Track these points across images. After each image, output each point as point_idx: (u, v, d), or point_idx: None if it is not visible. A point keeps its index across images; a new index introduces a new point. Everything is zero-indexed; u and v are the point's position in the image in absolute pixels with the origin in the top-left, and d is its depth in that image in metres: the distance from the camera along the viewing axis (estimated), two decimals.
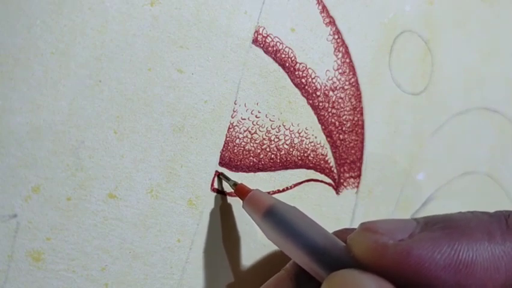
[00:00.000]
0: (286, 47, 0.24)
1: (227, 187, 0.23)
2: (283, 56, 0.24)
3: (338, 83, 0.26)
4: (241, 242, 0.24)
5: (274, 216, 0.20)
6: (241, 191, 0.22)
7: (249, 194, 0.21)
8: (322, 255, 0.18)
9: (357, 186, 0.28)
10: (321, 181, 0.26)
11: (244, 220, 0.24)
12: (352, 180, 0.27)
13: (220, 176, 0.23)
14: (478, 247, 0.16)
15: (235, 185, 0.22)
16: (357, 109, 0.27)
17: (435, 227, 0.17)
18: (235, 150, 0.23)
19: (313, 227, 0.19)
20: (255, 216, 0.21)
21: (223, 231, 0.24)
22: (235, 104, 0.23)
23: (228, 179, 0.23)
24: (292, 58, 0.24)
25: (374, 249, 0.17)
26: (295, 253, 0.19)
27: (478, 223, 0.17)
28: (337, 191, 0.27)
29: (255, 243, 0.25)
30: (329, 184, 0.27)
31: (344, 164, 0.27)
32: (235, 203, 0.24)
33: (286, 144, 0.25)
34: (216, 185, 0.23)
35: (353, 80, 0.26)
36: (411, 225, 0.17)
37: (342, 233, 0.21)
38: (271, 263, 0.25)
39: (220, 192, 0.23)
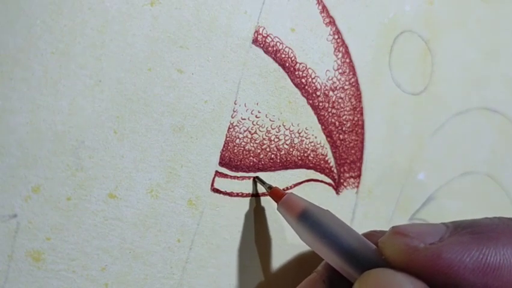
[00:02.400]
0: (286, 47, 0.24)
1: (229, 187, 0.23)
2: (283, 56, 0.24)
3: (338, 83, 0.26)
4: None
5: (309, 219, 0.21)
6: (275, 194, 0.23)
7: (283, 197, 0.22)
8: (355, 257, 0.19)
9: (357, 186, 0.28)
10: (321, 181, 0.26)
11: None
12: (352, 180, 0.27)
13: (255, 179, 0.24)
14: (504, 251, 0.17)
15: (270, 188, 0.23)
16: (357, 109, 0.27)
17: (464, 231, 0.18)
18: (235, 150, 0.23)
19: (346, 229, 0.20)
20: (289, 219, 0.22)
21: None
22: (235, 104, 0.23)
23: (263, 183, 0.24)
24: (292, 58, 0.24)
25: (405, 251, 0.18)
26: (329, 254, 0.20)
27: (505, 228, 0.18)
28: (337, 191, 0.27)
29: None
30: (329, 184, 0.27)
31: (344, 164, 0.27)
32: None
33: (286, 144, 0.25)
34: (215, 185, 0.23)
35: (353, 80, 0.26)
36: (440, 229, 0.18)
37: (371, 236, 0.21)
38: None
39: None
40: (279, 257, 0.26)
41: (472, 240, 0.17)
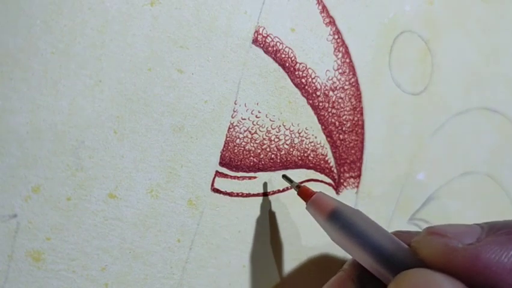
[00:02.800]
0: (286, 47, 0.24)
1: (229, 187, 0.23)
2: (283, 56, 0.24)
3: (338, 83, 0.26)
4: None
5: (339, 218, 0.21)
6: (305, 193, 0.23)
7: (313, 197, 0.22)
8: (388, 257, 0.19)
9: (357, 186, 0.28)
10: (321, 181, 0.26)
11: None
12: (352, 180, 0.27)
13: (284, 177, 0.24)
14: None
15: (298, 187, 0.23)
16: (357, 109, 0.27)
17: (500, 232, 0.18)
18: (236, 150, 0.23)
19: (377, 229, 0.20)
20: (319, 218, 0.22)
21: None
22: (235, 104, 0.23)
23: (291, 181, 0.24)
24: (292, 58, 0.24)
25: (443, 252, 0.18)
26: (360, 254, 0.20)
27: None
28: (337, 191, 0.27)
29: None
30: (329, 184, 0.27)
31: (344, 164, 0.27)
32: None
33: (287, 144, 0.25)
34: (215, 185, 0.23)
35: (353, 80, 0.26)
36: (476, 230, 0.18)
37: (398, 235, 0.21)
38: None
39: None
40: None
41: (509, 241, 0.17)
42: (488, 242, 0.18)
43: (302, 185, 0.23)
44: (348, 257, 0.25)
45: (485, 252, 0.17)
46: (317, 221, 0.22)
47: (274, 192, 0.25)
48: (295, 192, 0.23)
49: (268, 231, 0.25)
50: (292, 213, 0.25)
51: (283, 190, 0.25)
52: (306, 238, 0.26)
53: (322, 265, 0.26)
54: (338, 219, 0.21)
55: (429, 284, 0.17)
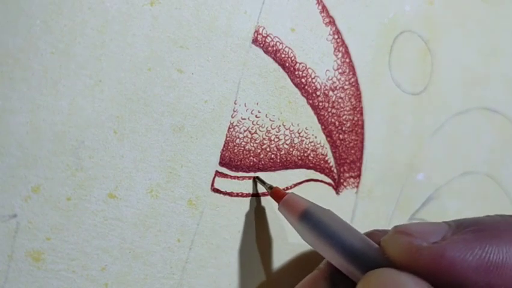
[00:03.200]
0: (286, 46, 0.24)
1: (229, 187, 0.23)
2: (283, 55, 0.24)
3: (337, 82, 0.26)
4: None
5: (310, 219, 0.21)
6: (276, 194, 0.23)
7: (284, 197, 0.22)
8: (357, 256, 0.19)
9: (357, 186, 0.28)
10: (321, 181, 0.26)
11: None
12: (352, 180, 0.27)
13: (256, 179, 0.24)
14: (507, 249, 0.17)
15: (270, 188, 0.23)
16: (357, 109, 0.27)
17: (466, 230, 0.18)
18: (236, 150, 0.23)
19: (347, 229, 0.20)
20: (290, 219, 0.22)
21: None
22: (235, 104, 0.23)
23: (263, 183, 0.24)
24: (292, 58, 0.24)
25: (408, 250, 0.18)
26: (331, 254, 0.20)
27: (507, 226, 0.18)
28: (337, 191, 0.27)
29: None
30: (329, 184, 0.27)
31: (344, 163, 0.27)
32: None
33: (286, 144, 0.25)
34: (215, 185, 0.23)
35: (352, 79, 0.26)
36: (443, 228, 0.18)
37: (373, 235, 0.21)
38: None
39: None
40: (280, 257, 0.26)
41: (475, 239, 0.17)
42: (454, 240, 0.18)
43: (274, 186, 0.23)
44: None
45: (450, 250, 0.17)
46: (289, 222, 0.22)
47: (264, 194, 0.25)
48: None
49: (268, 231, 0.25)
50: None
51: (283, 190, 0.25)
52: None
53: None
54: (308, 220, 0.21)
55: (394, 283, 0.17)
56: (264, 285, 0.25)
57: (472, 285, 0.17)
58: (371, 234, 0.22)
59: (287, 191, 0.23)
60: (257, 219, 0.24)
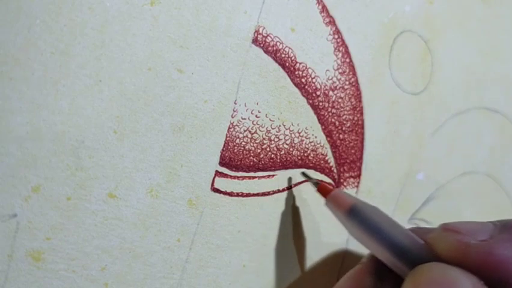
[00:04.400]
0: (286, 46, 0.24)
1: (229, 187, 0.23)
2: (283, 55, 0.24)
3: (337, 82, 0.26)
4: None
5: (358, 215, 0.21)
6: (323, 189, 0.24)
7: (331, 193, 0.23)
8: (405, 252, 0.20)
9: (357, 186, 0.28)
10: (321, 181, 0.26)
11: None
12: (352, 180, 0.27)
13: (302, 174, 0.25)
14: None
15: (317, 183, 0.24)
16: (357, 109, 0.27)
17: None
18: (236, 150, 0.23)
19: (394, 225, 0.21)
20: (338, 214, 0.23)
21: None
22: (235, 103, 0.23)
23: (310, 178, 0.24)
24: (292, 58, 0.24)
25: (457, 247, 0.19)
26: (378, 249, 0.21)
27: None
28: None
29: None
30: (329, 184, 0.27)
31: (344, 163, 0.27)
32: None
33: (286, 144, 0.25)
34: (215, 185, 0.23)
35: (352, 79, 0.26)
36: (489, 227, 0.19)
37: (416, 232, 0.22)
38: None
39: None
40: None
41: None
42: (501, 238, 0.18)
43: (321, 181, 0.24)
44: (364, 252, 0.26)
45: (497, 248, 0.18)
46: (336, 216, 0.23)
47: (274, 192, 0.25)
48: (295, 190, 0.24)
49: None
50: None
51: (283, 190, 0.25)
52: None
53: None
54: (356, 216, 0.22)
55: (445, 277, 0.18)
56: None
57: None
58: (413, 231, 0.22)
59: (334, 188, 0.24)
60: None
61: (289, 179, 0.25)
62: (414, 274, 0.19)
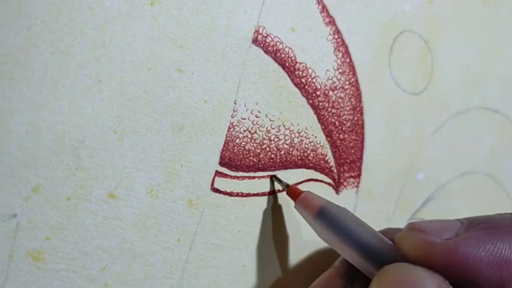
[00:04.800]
0: (286, 46, 0.24)
1: (229, 187, 0.23)
2: (283, 55, 0.24)
3: (337, 82, 0.26)
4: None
5: (326, 217, 0.21)
6: (293, 192, 0.23)
7: (300, 196, 0.23)
8: (372, 253, 0.20)
9: (357, 186, 0.28)
10: (321, 181, 0.26)
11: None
12: (352, 180, 0.27)
13: (272, 178, 0.24)
14: None
15: (287, 186, 0.24)
16: (357, 109, 0.27)
17: (478, 227, 0.19)
18: (235, 150, 0.23)
19: (362, 226, 0.21)
20: (307, 216, 0.22)
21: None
22: (235, 103, 0.23)
23: (280, 181, 0.24)
24: (292, 58, 0.24)
25: (422, 247, 0.19)
26: (346, 251, 0.21)
27: None
28: (337, 191, 0.27)
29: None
30: (329, 184, 0.27)
31: (344, 163, 0.27)
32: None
33: (286, 144, 0.25)
34: (215, 185, 0.23)
35: (352, 79, 0.26)
36: (456, 225, 0.19)
37: (386, 233, 0.22)
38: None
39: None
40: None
41: (487, 235, 0.18)
42: (466, 236, 0.18)
43: (291, 184, 0.24)
44: None
45: (462, 246, 0.18)
46: (305, 219, 0.23)
47: (274, 192, 0.25)
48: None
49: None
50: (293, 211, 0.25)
51: (283, 190, 0.25)
52: (308, 234, 0.26)
53: (324, 260, 0.27)
54: (324, 218, 0.21)
55: (409, 277, 0.18)
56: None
57: (484, 280, 0.17)
58: (385, 232, 0.22)
59: (304, 190, 0.24)
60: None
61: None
62: (380, 275, 0.19)
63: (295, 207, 0.23)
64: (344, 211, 0.22)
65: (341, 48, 0.26)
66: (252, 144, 0.24)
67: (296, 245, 0.26)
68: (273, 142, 0.24)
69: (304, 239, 0.26)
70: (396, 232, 0.21)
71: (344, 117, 0.26)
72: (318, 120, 0.26)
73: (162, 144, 0.21)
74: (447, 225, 0.19)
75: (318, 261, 0.27)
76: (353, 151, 0.27)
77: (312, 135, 0.25)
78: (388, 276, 0.18)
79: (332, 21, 0.25)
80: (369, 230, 0.21)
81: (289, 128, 0.25)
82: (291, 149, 0.25)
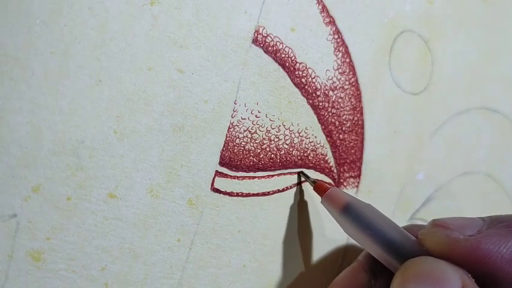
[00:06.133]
0: (286, 46, 0.24)
1: (229, 187, 0.23)
2: (283, 55, 0.24)
3: (337, 82, 0.26)
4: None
5: (351, 212, 0.22)
6: (320, 188, 0.24)
7: (327, 191, 0.23)
8: (396, 248, 0.20)
9: (357, 186, 0.28)
10: (321, 181, 0.26)
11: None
12: (352, 180, 0.27)
13: (300, 174, 0.25)
14: None
15: (314, 182, 0.25)
16: (357, 109, 0.27)
17: (500, 225, 0.19)
18: (235, 150, 0.23)
19: (387, 222, 0.22)
20: (333, 212, 0.23)
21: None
22: (235, 103, 0.23)
23: (307, 177, 0.25)
24: (292, 58, 0.24)
25: (446, 242, 0.19)
26: (371, 245, 0.21)
27: None
28: None
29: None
30: (329, 184, 0.27)
31: (344, 163, 0.27)
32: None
33: (286, 144, 0.25)
34: (215, 185, 0.23)
35: (352, 79, 0.26)
36: (478, 223, 0.20)
37: (410, 229, 0.23)
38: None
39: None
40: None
41: (509, 233, 0.19)
42: (488, 233, 0.19)
43: (318, 180, 0.25)
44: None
45: (484, 243, 0.18)
46: (331, 214, 0.23)
47: (274, 192, 0.25)
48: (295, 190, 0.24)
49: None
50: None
51: (283, 190, 0.25)
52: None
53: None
54: (350, 213, 0.22)
55: (433, 269, 0.18)
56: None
57: (504, 276, 0.18)
58: (408, 228, 0.23)
59: (330, 186, 0.24)
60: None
61: (298, 175, 0.25)
62: (404, 268, 0.19)
63: (321, 202, 0.24)
64: (369, 207, 0.22)
65: (341, 48, 0.26)
66: (252, 144, 0.24)
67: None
68: (273, 142, 0.24)
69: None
70: (419, 228, 0.21)
71: (344, 117, 0.26)
72: (318, 120, 0.26)
73: (162, 144, 0.21)
74: (470, 222, 0.20)
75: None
76: (353, 151, 0.27)
77: (312, 135, 0.25)
78: (412, 268, 0.19)
79: (332, 21, 0.25)
80: (393, 226, 0.21)
81: (289, 128, 0.25)
82: (291, 149, 0.25)
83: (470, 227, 0.20)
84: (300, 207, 0.25)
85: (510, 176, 0.34)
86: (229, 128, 0.23)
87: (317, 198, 0.24)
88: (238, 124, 0.23)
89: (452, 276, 0.18)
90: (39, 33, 0.18)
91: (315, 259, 0.27)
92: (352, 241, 0.27)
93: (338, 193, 0.23)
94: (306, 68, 0.25)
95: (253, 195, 0.24)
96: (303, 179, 0.25)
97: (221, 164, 0.23)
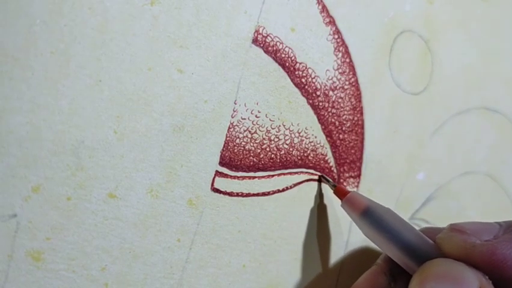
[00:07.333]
0: (286, 46, 0.24)
1: (229, 187, 0.23)
2: (283, 55, 0.24)
3: (337, 82, 0.26)
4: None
5: (371, 216, 0.23)
6: (340, 191, 0.25)
7: (347, 195, 0.24)
8: (415, 251, 0.21)
9: (357, 186, 0.28)
10: (339, 184, 0.26)
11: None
12: (352, 180, 0.27)
13: (320, 177, 0.26)
14: None
15: (334, 186, 0.25)
16: (357, 109, 0.27)
17: None
18: (235, 150, 0.23)
19: (405, 226, 0.22)
20: (352, 215, 0.24)
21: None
22: (235, 103, 0.23)
23: (328, 181, 0.26)
24: (292, 58, 0.24)
25: (463, 247, 0.20)
26: (390, 248, 0.22)
27: None
28: None
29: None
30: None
31: (344, 163, 0.27)
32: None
33: (286, 144, 0.25)
34: (215, 185, 0.23)
35: (352, 79, 0.26)
36: (494, 228, 0.20)
37: (427, 232, 0.23)
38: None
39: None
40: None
41: None
42: (505, 239, 0.19)
43: (338, 184, 0.25)
44: (366, 253, 0.28)
45: (501, 248, 0.19)
46: (351, 217, 0.24)
47: (274, 192, 0.25)
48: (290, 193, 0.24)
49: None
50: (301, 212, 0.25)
51: (283, 190, 0.25)
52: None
53: (360, 259, 0.28)
54: (370, 217, 0.23)
55: (451, 270, 0.19)
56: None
57: None
58: (425, 231, 0.23)
59: (350, 190, 0.25)
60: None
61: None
62: (423, 268, 0.19)
63: (341, 205, 0.24)
64: (388, 211, 0.23)
65: (341, 48, 0.26)
66: (252, 144, 0.24)
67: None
68: (273, 142, 0.24)
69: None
70: (436, 231, 0.22)
71: (344, 117, 0.26)
72: (318, 120, 0.26)
73: (162, 144, 0.21)
74: (486, 227, 0.20)
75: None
76: (353, 151, 0.27)
77: (312, 135, 0.25)
78: (431, 269, 0.19)
79: (332, 21, 0.25)
80: (411, 230, 0.22)
81: (289, 128, 0.25)
82: (291, 149, 0.25)
83: (486, 231, 0.20)
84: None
85: (510, 176, 0.34)
86: (229, 128, 0.23)
87: (337, 201, 0.25)
88: (238, 124, 0.23)
89: (470, 276, 0.18)
90: (39, 33, 0.18)
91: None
92: (352, 247, 0.27)
93: (358, 197, 0.24)
94: (306, 68, 0.25)
95: (253, 195, 0.24)
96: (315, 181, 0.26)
97: (221, 164, 0.23)
